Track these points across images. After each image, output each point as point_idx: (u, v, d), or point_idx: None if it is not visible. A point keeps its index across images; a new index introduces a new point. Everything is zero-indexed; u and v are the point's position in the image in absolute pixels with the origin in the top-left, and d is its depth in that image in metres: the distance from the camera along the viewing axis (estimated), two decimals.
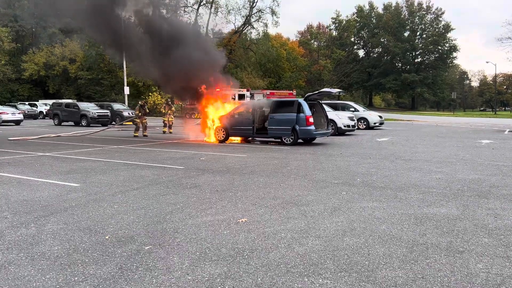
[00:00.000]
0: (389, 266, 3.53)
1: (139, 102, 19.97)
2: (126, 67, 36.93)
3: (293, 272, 3.42)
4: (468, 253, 3.84)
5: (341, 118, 19.28)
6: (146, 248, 3.99)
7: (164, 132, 20.12)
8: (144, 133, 18.57)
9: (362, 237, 4.30)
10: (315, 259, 3.69)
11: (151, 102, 41.30)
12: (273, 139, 14.96)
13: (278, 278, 3.31)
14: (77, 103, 31.21)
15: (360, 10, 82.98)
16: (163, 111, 20.70)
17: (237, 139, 15.78)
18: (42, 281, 3.26)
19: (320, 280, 3.26)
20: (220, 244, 4.08)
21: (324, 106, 15.68)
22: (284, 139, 14.03)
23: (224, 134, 15.18)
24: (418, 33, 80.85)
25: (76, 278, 3.31)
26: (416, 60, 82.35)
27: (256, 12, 57.69)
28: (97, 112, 27.73)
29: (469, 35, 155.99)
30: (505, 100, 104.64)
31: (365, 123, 23.56)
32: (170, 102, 21.63)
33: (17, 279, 3.30)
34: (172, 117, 20.67)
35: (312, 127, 13.53)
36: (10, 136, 18.01)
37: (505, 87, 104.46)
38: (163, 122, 20.71)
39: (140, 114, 18.75)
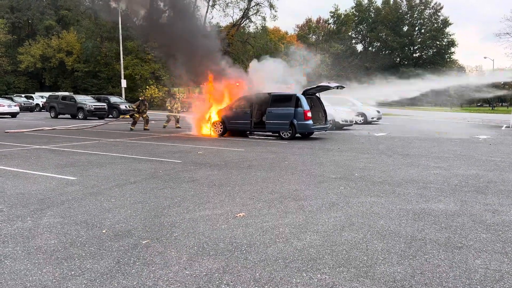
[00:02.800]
0: (388, 262, 3.52)
1: (140, 97, 19.83)
2: (123, 60, 36.74)
3: (291, 267, 3.41)
4: (466, 248, 3.84)
5: (339, 113, 19.25)
6: (143, 242, 3.97)
7: (164, 126, 19.79)
8: (145, 127, 18.43)
9: (361, 232, 4.29)
10: (313, 254, 3.68)
11: (148, 95, 41.12)
12: (271, 133, 14.93)
13: (276, 273, 3.29)
14: (74, 95, 31.04)
15: (358, 4, 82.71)
16: (169, 106, 20.33)
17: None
18: (38, 275, 3.23)
19: (319, 275, 3.25)
20: (218, 239, 4.06)
21: (322, 100, 15.63)
22: (282, 133, 14.01)
23: (222, 128, 15.13)
24: (417, 28, 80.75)
25: (73, 273, 3.28)
26: (414, 55, 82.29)
27: (254, 6, 57.38)
28: (93, 105, 27.60)
29: (466, 30, 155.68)
30: (502, 95, 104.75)
31: (362, 118, 23.55)
32: (175, 96, 21.27)
33: (13, 273, 3.27)
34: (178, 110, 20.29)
35: (310, 122, 13.51)
36: (7, 128, 17.90)
37: (502, 82, 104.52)
38: (167, 116, 20.43)
39: (141, 109, 18.56)
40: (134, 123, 18.48)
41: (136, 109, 18.75)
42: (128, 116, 22.65)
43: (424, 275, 3.26)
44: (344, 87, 15.13)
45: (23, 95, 43.82)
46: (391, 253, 3.70)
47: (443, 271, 3.33)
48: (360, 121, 23.25)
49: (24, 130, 16.90)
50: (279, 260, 3.54)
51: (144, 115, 18.62)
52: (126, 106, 30.10)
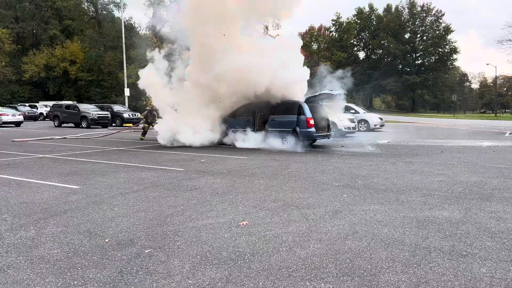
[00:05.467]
0: (392, 270, 3.49)
1: (147, 108, 19.72)
2: (126, 69, 36.94)
3: (294, 276, 3.38)
4: (471, 257, 3.80)
5: (342, 120, 19.25)
6: (146, 251, 3.96)
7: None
8: (142, 137, 18.28)
9: (364, 240, 4.26)
10: (317, 263, 3.65)
11: (151, 104, 41.26)
12: None
13: (280, 282, 3.27)
14: (77, 104, 31.26)
15: (360, 12, 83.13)
16: None
17: None
18: (41, 285, 3.22)
19: (322, 285, 3.23)
20: (221, 248, 4.04)
21: (325, 107, 15.63)
22: (285, 141, 13.98)
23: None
24: (418, 35, 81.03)
25: (75, 282, 3.27)
26: (416, 62, 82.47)
27: None
28: (97, 114, 27.77)
29: (467, 35, 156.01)
30: (505, 102, 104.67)
31: (365, 125, 23.56)
32: None
33: (16, 283, 3.26)
34: None
35: (313, 129, 13.49)
36: (13, 137, 17.98)
37: (505, 89, 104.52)
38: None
39: (149, 119, 18.43)
40: (144, 133, 18.39)
41: (144, 119, 18.72)
42: (134, 125, 22.59)
43: (429, 284, 3.23)
44: (346, 94, 15.10)
45: (27, 104, 44.12)
46: (395, 262, 3.68)
47: (448, 280, 3.30)
48: (363, 128, 23.24)
49: (35, 139, 16.98)
50: (283, 269, 3.52)
51: (153, 125, 18.52)
52: (129, 115, 30.27)
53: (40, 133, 21.72)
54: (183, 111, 14.95)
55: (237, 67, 13.44)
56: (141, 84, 15.82)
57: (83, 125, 27.36)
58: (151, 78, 15.47)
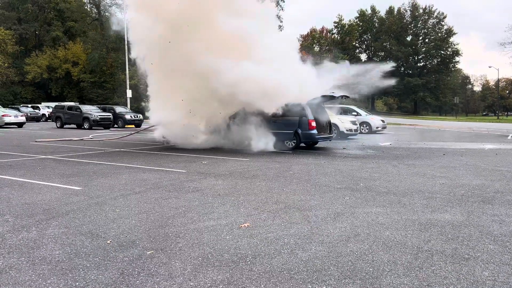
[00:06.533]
0: (394, 273, 3.48)
1: None
2: (128, 70, 37.00)
3: (296, 278, 3.38)
4: (473, 260, 3.79)
5: (344, 122, 19.24)
6: (148, 253, 3.96)
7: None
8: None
9: (366, 243, 4.25)
10: (318, 265, 3.65)
11: None
12: None
13: (282, 284, 3.26)
14: (80, 106, 31.33)
15: (362, 14, 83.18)
16: None
17: None
18: (43, 286, 3.22)
19: (324, 287, 3.22)
20: (222, 250, 4.04)
21: (327, 109, 15.62)
22: (286, 143, 13.98)
23: None
24: (420, 37, 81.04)
25: (77, 283, 3.27)
26: (418, 64, 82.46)
27: None
28: (99, 115, 27.83)
29: (470, 38, 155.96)
30: (508, 105, 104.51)
31: (367, 127, 23.52)
32: None
33: (18, 284, 3.27)
34: None
35: (315, 131, 13.48)
36: (16, 138, 18.02)
37: (507, 91, 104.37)
38: None
39: None
40: None
41: None
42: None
43: (431, 287, 3.22)
44: (348, 97, 15.10)
45: (29, 105, 44.25)
46: (397, 265, 3.67)
47: (450, 283, 3.29)
48: (364, 130, 23.22)
49: (53, 140, 17.07)
50: (284, 272, 3.51)
51: None
52: (131, 116, 30.33)
53: (43, 134, 21.76)
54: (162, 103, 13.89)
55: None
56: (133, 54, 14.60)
57: (85, 126, 27.42)
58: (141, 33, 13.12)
